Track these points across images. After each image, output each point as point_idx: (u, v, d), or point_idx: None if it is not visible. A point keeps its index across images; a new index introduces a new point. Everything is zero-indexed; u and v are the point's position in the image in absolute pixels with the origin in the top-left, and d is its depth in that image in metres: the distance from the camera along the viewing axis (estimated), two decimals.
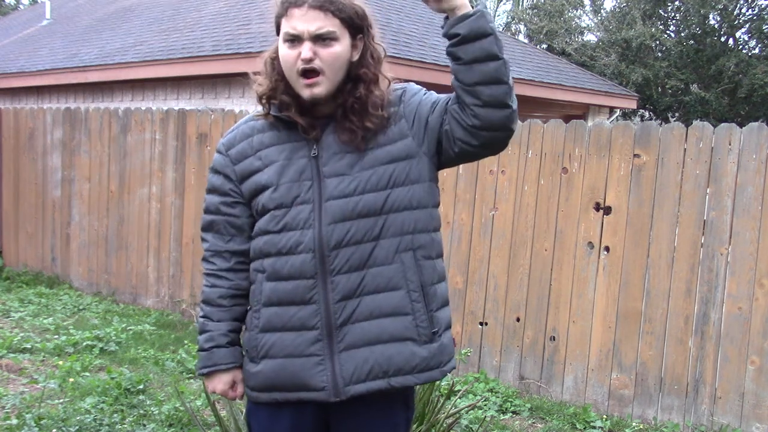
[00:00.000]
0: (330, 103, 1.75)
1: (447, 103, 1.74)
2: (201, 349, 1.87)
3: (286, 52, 1.71)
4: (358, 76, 1.74)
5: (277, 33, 1.75)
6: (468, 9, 1.65)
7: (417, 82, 1.89)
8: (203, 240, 1.89)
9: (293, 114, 1.74)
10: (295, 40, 1.69)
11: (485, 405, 4.34)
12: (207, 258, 1.88)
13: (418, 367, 1.75)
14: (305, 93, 1.71)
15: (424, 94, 1.81)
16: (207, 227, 1.88)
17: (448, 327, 1.83)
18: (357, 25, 1.73)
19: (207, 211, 1.88)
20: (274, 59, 1.77)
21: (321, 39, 1.68)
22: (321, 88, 1.70)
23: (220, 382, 1.86)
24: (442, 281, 1.82)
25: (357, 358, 1.72)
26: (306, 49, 1.67)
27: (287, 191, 1.74)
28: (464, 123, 1.69)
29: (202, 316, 1.88)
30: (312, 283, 1.72)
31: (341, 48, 1.70)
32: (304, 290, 1.73)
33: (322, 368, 1.73)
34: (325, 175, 1.73)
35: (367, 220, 1.71)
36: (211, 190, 1.87)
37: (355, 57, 1.74)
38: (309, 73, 1.69)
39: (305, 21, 1.67)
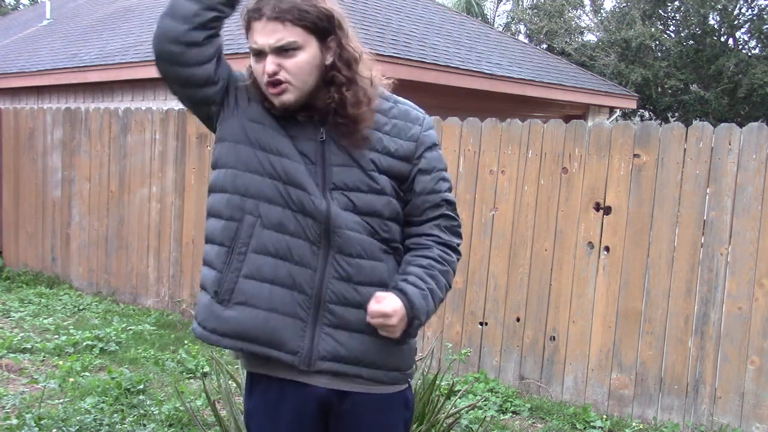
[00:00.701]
0: (320, 98, 1.73)
1: (416, 213, 1.80)
2: None
3: (254, 66, 1.72)
4: (331, 79, 1.72)
5: None
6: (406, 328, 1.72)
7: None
8: None
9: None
10: (259, 54, 1.69)
11: (485, 405, 4.34)
12: None
13: (389, 366, 1.78)
14: (276, 102, 1.70)
15: (436, 151, 1.82)
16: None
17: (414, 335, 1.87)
18: (323, 29, 1.69)
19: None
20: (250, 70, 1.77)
21: (283, 50, 1.66)
22: (289, 95, 1.69)
23: None
24: None
25: (338, 338, 1.72)
26: (269, 63, 1.66)
27: (296, 163, 1.71)
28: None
29: None
30: (316, 250, 1.70)
31: (307, 56, 1.68)
32: (308, 253, 1.70)
33: (302, 334, 1.71)
34: (331, 162, 1.73)
35: (364, 217, 1.72)
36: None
37: (329, 60, 1.72)
38: (275, 84, 1.68)
39: (265, 34, 1.66)
